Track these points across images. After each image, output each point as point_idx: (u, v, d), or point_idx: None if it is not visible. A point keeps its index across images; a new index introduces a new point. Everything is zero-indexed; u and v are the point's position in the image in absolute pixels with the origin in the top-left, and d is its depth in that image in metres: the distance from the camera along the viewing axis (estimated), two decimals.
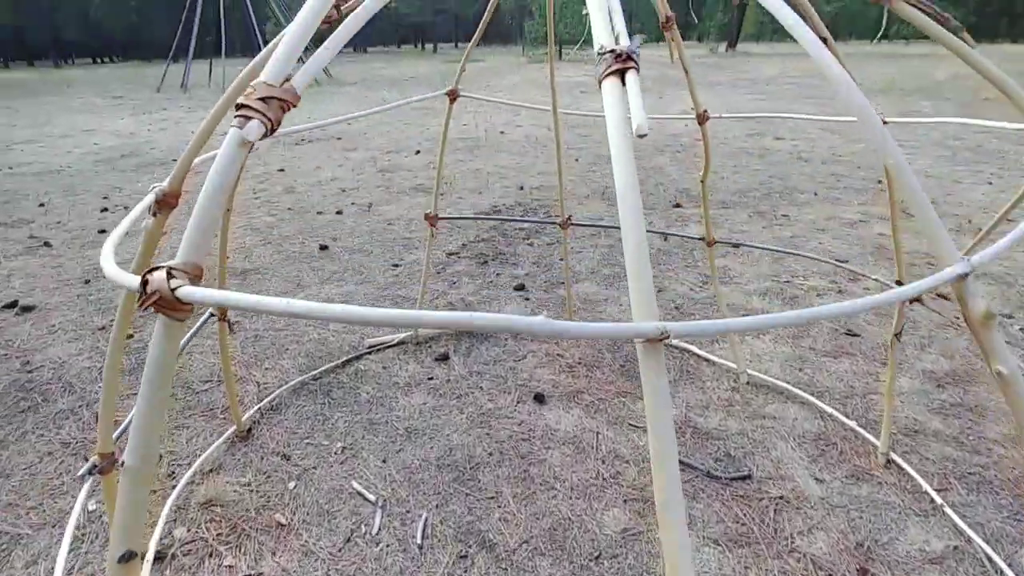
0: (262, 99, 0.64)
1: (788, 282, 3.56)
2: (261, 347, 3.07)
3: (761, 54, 30.67)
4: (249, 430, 2.45)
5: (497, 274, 3.84)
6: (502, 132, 8.61)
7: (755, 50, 35.54)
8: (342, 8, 1.12)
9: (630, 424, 2.39)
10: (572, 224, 2.80)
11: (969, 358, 2.78)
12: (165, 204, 1.22)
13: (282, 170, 6.98)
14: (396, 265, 4.07)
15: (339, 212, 5.31)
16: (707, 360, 2.80)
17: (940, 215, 4.02)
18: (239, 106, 0.66)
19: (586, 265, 3.90)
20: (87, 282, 3.97)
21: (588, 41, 28.63)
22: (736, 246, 3.57)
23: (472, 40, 2.44)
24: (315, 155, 7.79)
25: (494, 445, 2.31)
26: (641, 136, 0.62)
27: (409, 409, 2.55)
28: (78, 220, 5.37)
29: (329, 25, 1.27)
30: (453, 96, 2.39)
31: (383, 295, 3.62)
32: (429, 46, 50.27)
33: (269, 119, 0.65)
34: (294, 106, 0.68)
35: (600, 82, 0.66)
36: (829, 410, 2.41)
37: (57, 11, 40.91)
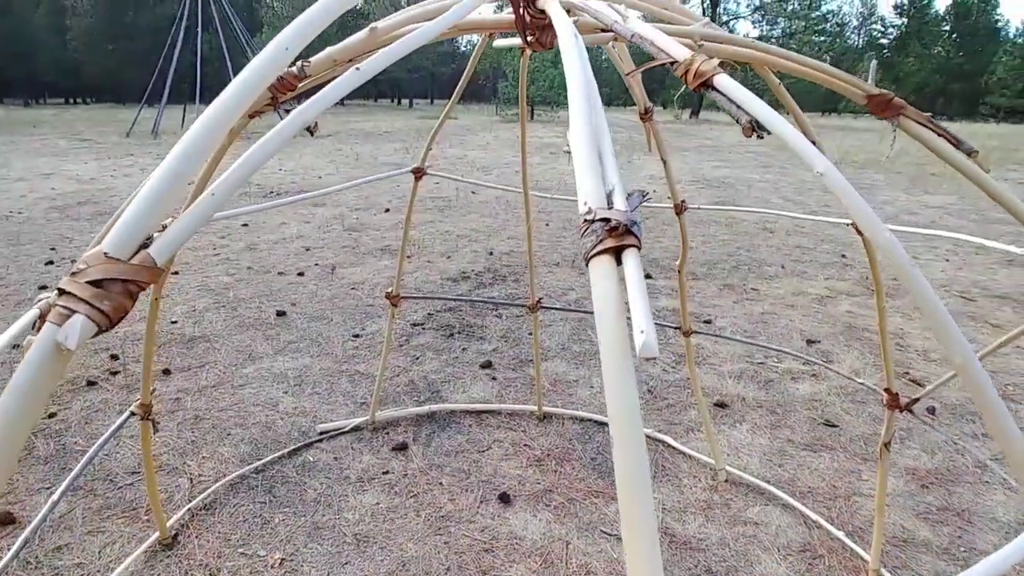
0: (94, 283, 0.46)
1: (762, 363, 3.45)
2: (200, 431, 2.78)
3: (723, 122, 31.99)
4: (175, 536, 2.16)
5: (463, 349, 3.65)
6: (473, 192, 8.59)
7: (717, 118, 37.14)
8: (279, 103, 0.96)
9: (603, 532, 2.18)
10: (542, 308, 2.66)
11: (950, 454, 2.68)
12: None
13: (246, 225, 6.75)
14: (357, 336, 3.85)
15: (301, 273, 5.08)
16: (683, 453, 2.63)
17: (902, 292, 4.01)
18: (59, 291, 0.48)
19: (556, 341, 3.74)
20: (15, 347, 3.64)
21: (556, 103, 29.51)
22: (715, 337, 3.47)
23: (444, 112, 2.33)
24: (281, 209, 7.59)
25: (452, 557, 2.07)
26: (648, 359, 0.46)
27: (360, 510, 2.29)
28: (18, 274, 5.03)
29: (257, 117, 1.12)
30: (419, 174, 2.26)
31: (341, 370, 3.39)
32: (405, 101, 51.29)
33: (105, 313, 0.46)
34: (149, 284, 0.50)
35: (587, 260, 0.51)
36: (814, 516, 2.24)
37: (33, 50, 40.59)
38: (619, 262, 0.53)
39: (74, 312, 0.46)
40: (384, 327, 3.96)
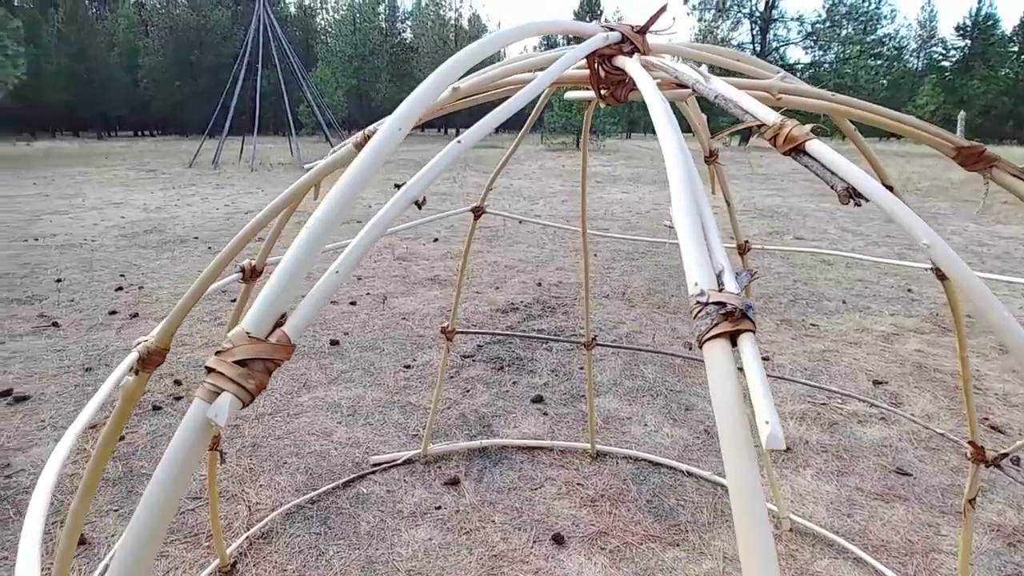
0: (240, 362, 0.49)
1: (824, 404, 3.32)
2: (258, 459, 2.85)
3: (773, 149, 31.41)
4: (234, 564, 2.20)
5: (513, 382, 3.64)
6: (520, 222, 8.66)
7: (767, 144, 36.47)
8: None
9: None
10: (597, 344, 2.64)
11: None
12: (150, 362, 1.07)
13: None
14: (408, 366, 3.90)
15: (353, 303, 5.20)
16: None
17: (978, 331, 3.80)
18: (208, 369, 0.51)
19: (608, 376, 3.70)
20: (88, 370, 3.83)
21: (602, 131, 29.67)
22: (778, 378, 3.36)
23: (507, 153, 2.38)
24: (332, 239, 7.81)
25: None
26: (773, 451, 0.45)
27: (413, 546, 2.29)
28: (91, 299, 5.31)
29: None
30: (478, 212, 2.30)
31: (392, 400, 3.43)
32: (452, 130, 52.46)
33: (249, 391, 0.49)
34: (284, 361, 0.52)
35: (701, 343, 0.51)
36: (889, 573, 2.11)
37: (107, 88, 43.64)
38: (733, 344, 0.52)
39: (223, 390, 0.49)
40: (434, 358, 4.00)
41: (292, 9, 58.20)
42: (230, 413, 0.49)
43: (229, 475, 2.72)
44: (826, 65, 42.43)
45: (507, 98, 0.85)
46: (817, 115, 1.15)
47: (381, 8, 48.73)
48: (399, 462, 2.80)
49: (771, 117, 0.82)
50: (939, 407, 3.33)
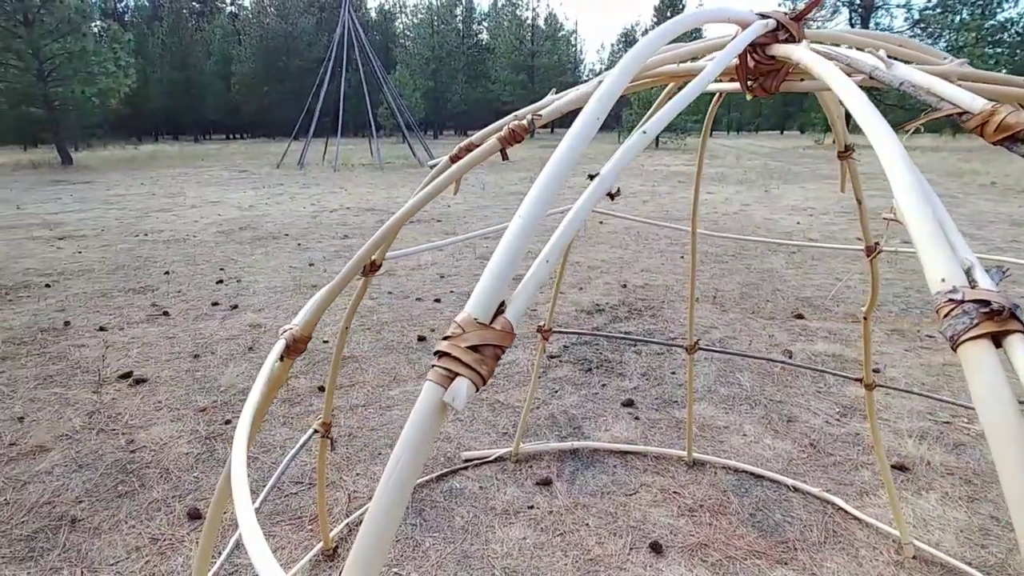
0: (473, 348, 0.49)
1: (948, 423, 3.05)
2: (354, 448, 2.94)
3: (867, 145, 29.57)
4: (335, 548, 2.28)
5: (603, 385, 3.58)
6: (600, 222, 8.56)
7: (861, 141, 34.40)
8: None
9: None
10: (700, 349, 2.54)
11: None
12: (294, 350, 1.11)
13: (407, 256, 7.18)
14: None
15: (437, 300, 5.30)
16: (858, 519, 2.37)
17: None
18: (439, 353, 0.50)
19: (702, 382, 3.57)
20: (196, 357, 4.08)
21: (683, 129, 28.90)
22: (891, 389, 3.13)
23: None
24: (414, 237, 8.01)
25: None
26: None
27: (508, 543, 2.29)
28: (195, 291, 5.68)
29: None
30: None
31: (480, 398, 3.45)
32: (560, 129, 52.73)
33: (482, 376, 0.49)
34: (508, 347, 0.52)
35: (955, 345, 0.45)
36: None
37: (203, 94, 46.87)
38: (997, 346, 0.46)
39: (458, 375, 0.49)
40: (519, 357, 4.00)
41: (373, 14, 60.29)
42: (467, 397, 0.48)
43: (328, 463, 2.82)
44: None
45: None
46: None
47: (458, 10, 49.62)
48: (490, 459, 2.81)
49: (977, 104, 0.74)
50: None
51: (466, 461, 2.82)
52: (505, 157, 1.04)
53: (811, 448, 2.85)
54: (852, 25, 40.65)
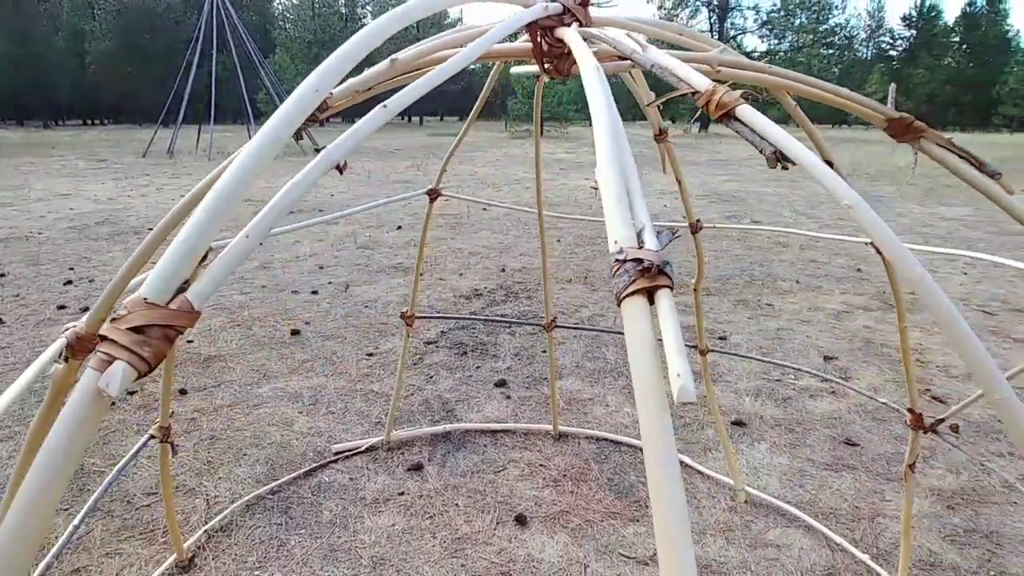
0: (135, 329, 0.47)
1: (779, 381, 3.41)
2: (216, 451, 2.79)
3: (732, 136, 31.96)
4: (192, 558, 2.16)
5: (477, 367, 3.64)
6: (484, 209, 8.63)
7: (727, 132, 37.02)
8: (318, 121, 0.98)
9: (621, 555, 2.16)
10: (557, 327, 2.65)
11: (976, 474, 2.62)
12: (80, 349, 1.03)
13: (260, 243, 6.81)
14: (370, 354, 3.86)
15: (315, 292, 5.12)
16: (701, 474, 2.60)
17: (921, 307, 3.93)
18: (100, 337, 0.48)
19: (570, 359, 3.73)
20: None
21: (565, 118, 29.67)
22: (734, 355, 3.43)
23: (459, 135, 2.35)
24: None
25: None
26: (685, 404, 0.46)
27: (376, 532, 2.28)
28: (38, 294, 5.10)
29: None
30: (434, 195, 2.28)
31: (355, 389, 3.39)
32: (416, 118, 51.80)
33: (145, 359, 0.47)
34: (187, 328, 0.50)
35: (619, 300, 0.51)
36: (837, 539, 2.20)
37: (52, 74, 41.60)
38: (651, 302, 0.52)
39: (115, 359, 0.47)
40: (397, 345, 3.97)
41: None
42: (123, 382, 0.47)
43: (186, 469, 2.66)
44: (781, 53, 43.42)
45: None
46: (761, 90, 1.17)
47: None
48: (362, 449, 2.78)
49: (704, 84, 0.83)
50: (885, 379, 3.46)
51: (336, 454, 2.77)
52: (298, 140, 1.02)
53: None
54: (711, 25, 44.28)
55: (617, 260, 0.54)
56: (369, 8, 52.37)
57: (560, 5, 1.09)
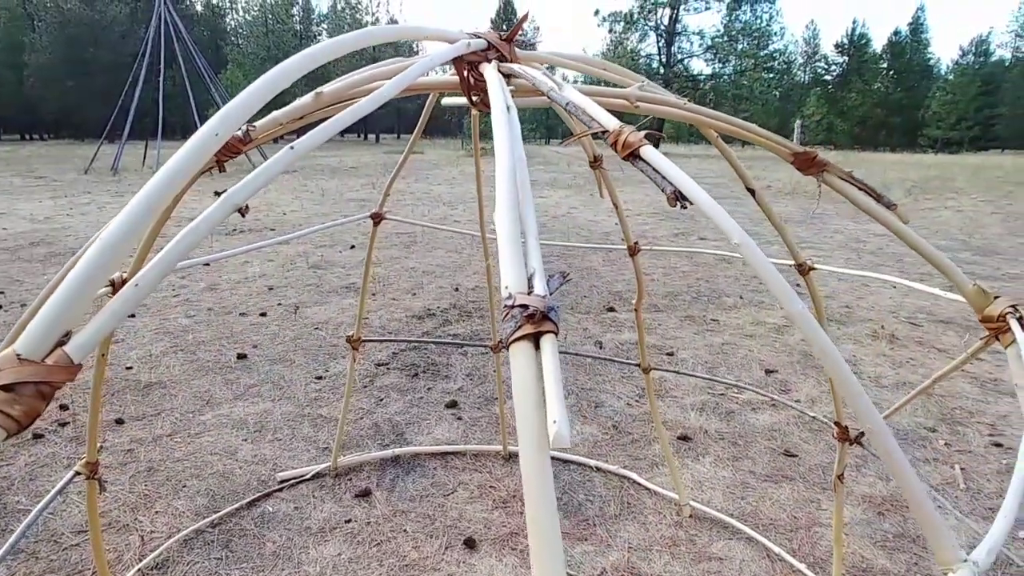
0: (5, 387, 0.45)
1: (723, 395, 3.51)
2: (154, 484, 2.69)
3: (680, 155, 32.85)
4: None
5: (428, 388, 3.62)
6: (431, 229, 8.62)
7: (675, 151, 38.16)
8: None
9: (569, 575, 2.17)
10: (504, 348, 2.67)
11: None
12: None
13: (207, 264, 6.64)
14: (320, 377, 3.79)
15: (263, 314, 5.00)
16: (648, 489, 2.64)
17: (855, 320, 4.14)
18: None
19: None
20: None
21: (523, 139, 30.19)
22: (679, 373, 3.52)
23: (406, 151, 2.36)
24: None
25: None
26: (560, 449, 0.48)
27: (321, 563, 2.23)
28: None
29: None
30: (377, 219, 2.28)
31: (303, 414, 3.32)
32: (372, 136, 51.52)
33: (15, 419, 0.45)
34: (64, 384, 0.49)
35: (507, 346, 0.53)
36: (776, 549, 2.27)
37: None
38: (538, 347, 0.55)
39: None
40: (347, 368, 3.91)
41: (199, 7, 55.32)
42: None
43: (120, 504, 2.55)
44: (725, 77, 45.32)
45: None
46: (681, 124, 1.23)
47: (295, 10, 47.22)
48: (307, 477, 2.72)
49: (612, 123, 0.87)
50: (822, 391, 3.60)
51: (281, 482, 2.70)
52: (222, 169, 1.02)
53: (613, 429, 3.12)
54: (659, 49, 46.06)
55: (506, 306, 0.56)
56: (325, 27, 52.07)
57: (484, 41, 1.12)
